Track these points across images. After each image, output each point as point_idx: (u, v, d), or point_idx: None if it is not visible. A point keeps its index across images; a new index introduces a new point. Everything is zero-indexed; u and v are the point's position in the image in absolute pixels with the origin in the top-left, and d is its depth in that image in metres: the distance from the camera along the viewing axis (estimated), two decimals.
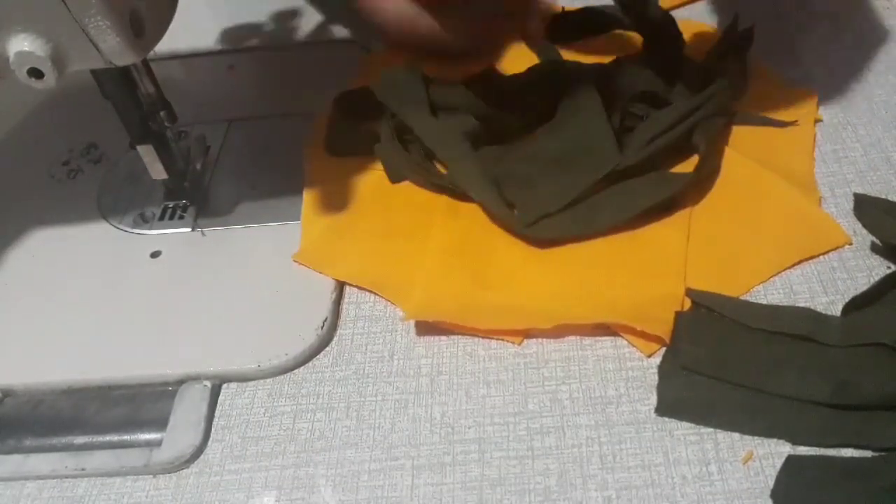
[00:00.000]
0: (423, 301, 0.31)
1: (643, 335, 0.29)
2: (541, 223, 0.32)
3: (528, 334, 0.30)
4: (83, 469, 0.28)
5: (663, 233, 0.32)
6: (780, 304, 0.29)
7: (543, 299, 0.30)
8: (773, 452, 0.26)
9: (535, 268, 0.31)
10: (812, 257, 0.31)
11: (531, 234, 0.32)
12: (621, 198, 0.32)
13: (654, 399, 0.27)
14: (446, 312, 0.30)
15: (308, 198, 0.35)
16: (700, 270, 0.30)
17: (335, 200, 0.35)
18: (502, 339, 0.30)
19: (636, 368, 0.28)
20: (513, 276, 0.31)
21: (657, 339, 0.28)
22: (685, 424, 0.27)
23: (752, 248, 0.31)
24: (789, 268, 0.30)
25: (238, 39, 0.44)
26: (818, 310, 0.29)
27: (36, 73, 0.27)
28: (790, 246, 0.31)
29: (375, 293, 0.32)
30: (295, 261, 0.33)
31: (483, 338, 0.30)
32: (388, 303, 0.32)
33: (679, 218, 0.32)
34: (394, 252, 0.33)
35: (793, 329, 0.28)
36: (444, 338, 0.30)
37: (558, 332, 0.29)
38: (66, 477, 0.28)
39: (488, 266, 0.32)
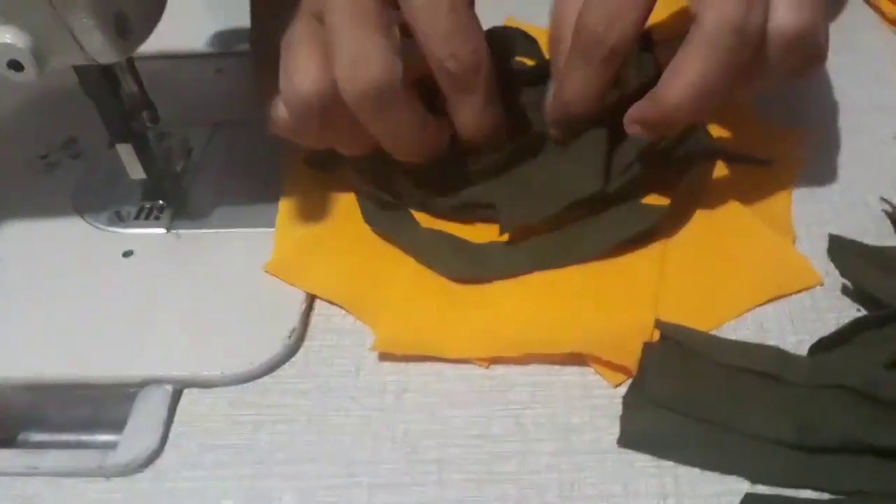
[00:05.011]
0: (392, 327, 0.30)
1: (609, 365, 0.28)
2: (514, 256, 0.32)
3: (494, 360, 0.30)
4: (36, 468, 0.28)
5: (636, 263, 0.32)
6: (750, 340, 0.29)
7: (512, 326, 0.30)
8: (732, 490, 0.25)
9: (505, 292, 0.31)
10: (783, 296, 0.31)
11: (499, 271, 0.32)
12: (596, 229, 0.32)
13: (618, 429, 0.27)
14: (414, 344, 0.30)
15: (284, 208, 0.35)
16: (671, 303, 0.30)
17: (311, 213, 0.35)
18: (470, 361, 0.30)
19: (602, 397, 0.28)
20: (483, 300, 0.31)
21: (623, 370, 0.28)
22: (646, 457, 0.27)
23: (725, 284, 0.31)
24: (760, 305, 0.30)
25: (228, 43, 0.44)
26: (787, 349, 0.29)
27: (15, 66, 0.27)
28: (762, 284, 0.31)
29: (345, 310, 0.32)
30: (266, 271, 0.33)
31: (451, 360, 0.30)
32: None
33: (653, 249, 0.32)
34: (367, 270, 0.32)
35: (760, 366, 0.28)
36: (412, 356, 0.30)
37: (525, 359, 0.29)
38: (18, 475, 0.28)
39: (459, 290, 0.32)
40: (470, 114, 0.32)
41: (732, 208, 0.33)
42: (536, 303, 0.31)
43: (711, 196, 0.34)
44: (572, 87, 0.32)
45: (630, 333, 0.29)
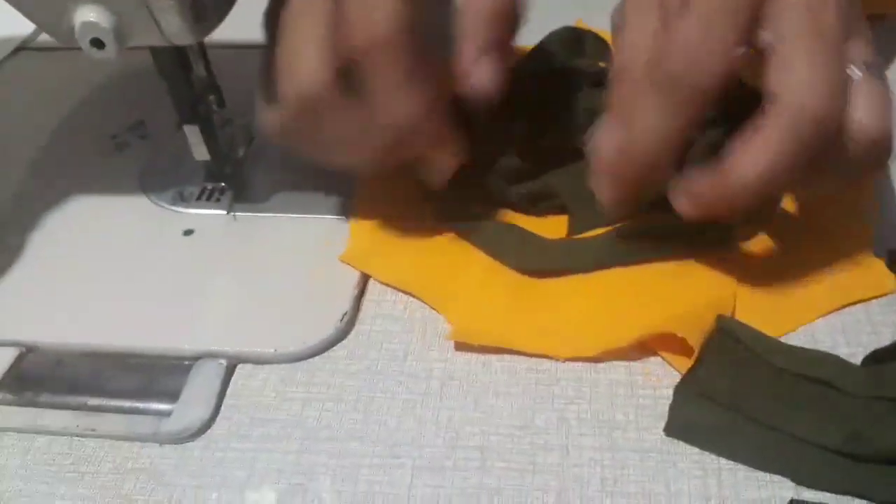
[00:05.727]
0: (467, 318, 0.31)
1: (675, 345, 0.28)
2: (584, 250, 0.32)
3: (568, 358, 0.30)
4: (94, 430, 0.29)
5: (712, 267, 0.31)
6: None
7: (585, 321, 0.30)
8: (776, 496, 0.25)
9: (577, 287, 0.31)
10: (861, 301, 0.30)
11: (567, 265, 0.32)
12: (672, 232, 0.32)
13: (661, 428, 0.27)
14: (488, 335, 0.30)
15: (359, 199, 0.36)
16: (745, 305, 0.30)
17: (386, 204, 0.35)
18: (519, 353, 0.30)
19: (647, 397, 0.28)
20: (554, 293, 0.31)
21: (688, 350, 0.28)
22: (690, 458, 0.26)
23: (802, 287, 0.31)
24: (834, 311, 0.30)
25: None
26: None
27: (98, 44, 0.29)
28: (838, 290, 0.31)
29: (419, 298, 0.32)
30: (341, 260, 0.33)
31: (493, 351, 0.30)
32: (408, 304, 0.32)
33: (728, 258, 0.32)
34: (440, 261, 0.33)
35: (815, 372, 0.27)
36: (459, 344, 0.30)
37: (600, 358, 0.29)
38: (77, 436, 0.29)
39: (531, 283, 0.32)
40: (379, 97, 0.29)
41: (810, 215, 0.33)
42: (608, 298, 0.31)
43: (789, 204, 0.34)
44: (642, 128, 0.28)
45: (706, 310, 0.29)
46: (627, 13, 0.31)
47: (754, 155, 0.27)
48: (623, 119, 0.29)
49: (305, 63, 0.29)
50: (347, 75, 0.29)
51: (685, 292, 0.31)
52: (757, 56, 0.27)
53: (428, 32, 0.30)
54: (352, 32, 0.28)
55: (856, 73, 0.27)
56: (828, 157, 0.27)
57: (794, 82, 0.26)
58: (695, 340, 0.28)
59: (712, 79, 0.27)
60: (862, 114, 0.27)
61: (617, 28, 0.31)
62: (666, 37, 0.28)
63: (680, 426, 0.27)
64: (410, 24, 0.28)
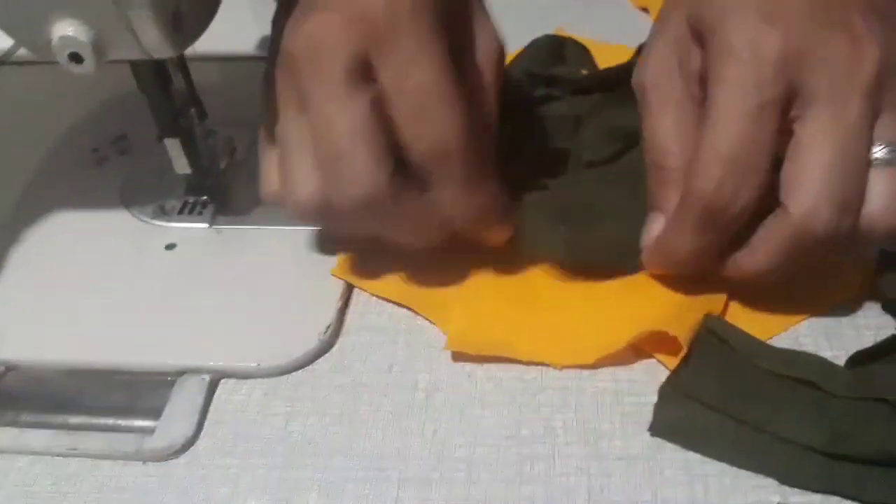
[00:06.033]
0: (462, 327, 0.31)
1: (665, 344, 0.28)
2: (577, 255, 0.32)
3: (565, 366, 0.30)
4: (75, 449, 0.28)
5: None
6: None
7: (581, 327, 0.30)
8: (763, 501, 0.25)
9: (572, 291, 0.32)
10: (843, 302, 0.31)
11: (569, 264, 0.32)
12: None
13: (647, 437, 0.27)
14: (485, 343, 0.30)
15: None
16: (733, 309, 0.31)
17: None
18: (511, 362, 0.30)
19: (633, 404, 0.28)
20: (549, 301, 0.31)
21: (677, 346, 0.28)
22: (676, 465, 0.26)
23: (788, 292, 0.31)
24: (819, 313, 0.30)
25: None
26: None
27: (76, 58, 0.28)
28: (824, 292, 0.31)
29: (414, 310, 0.32)
30: (333, 275, 0.33)
31: (482, 360, 0.30)
32: (392, 315, 0.32)
33: None
34: (433, 270, 0.32)
35: (800, 374, 0.28)
36: (444, 355, 0.30)
37: (597, 364, 0.29)
38: (59, 455, 0.28)
39: (525, 292, 0.32)
40: (446, 197, 0.29)
41: None
42: (603, 302, 0.31)
43: None
44: (682, 250, 0.29)
45: (697, 310, 0.29)
46: (647, 90, 0.30)
47: (755, 257, 0.28)
48: (663, 212, 0.30)
49: (360, 166, 0.27)
50: (401, 169, 0.28)
51: (677, 294, 0.31)
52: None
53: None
54: (411, 137, 0.27)
55: (877, 153, 0.26)
56: (833, 249, 0.27)
57: (803, 197, 0.26)
58: (684, 339, 0.28)
59: (752, 199, 0.26)
60: (874, 207, 0.26)
61: (642, 104, 0.31)
62: (696, 154, 0.27)
63: (665, 426, 0.27)
64: (473, 129, 0.28)
